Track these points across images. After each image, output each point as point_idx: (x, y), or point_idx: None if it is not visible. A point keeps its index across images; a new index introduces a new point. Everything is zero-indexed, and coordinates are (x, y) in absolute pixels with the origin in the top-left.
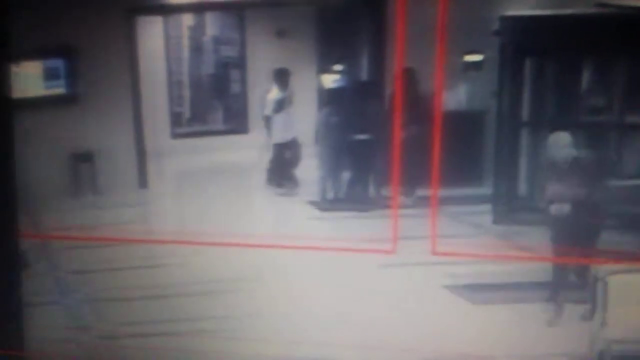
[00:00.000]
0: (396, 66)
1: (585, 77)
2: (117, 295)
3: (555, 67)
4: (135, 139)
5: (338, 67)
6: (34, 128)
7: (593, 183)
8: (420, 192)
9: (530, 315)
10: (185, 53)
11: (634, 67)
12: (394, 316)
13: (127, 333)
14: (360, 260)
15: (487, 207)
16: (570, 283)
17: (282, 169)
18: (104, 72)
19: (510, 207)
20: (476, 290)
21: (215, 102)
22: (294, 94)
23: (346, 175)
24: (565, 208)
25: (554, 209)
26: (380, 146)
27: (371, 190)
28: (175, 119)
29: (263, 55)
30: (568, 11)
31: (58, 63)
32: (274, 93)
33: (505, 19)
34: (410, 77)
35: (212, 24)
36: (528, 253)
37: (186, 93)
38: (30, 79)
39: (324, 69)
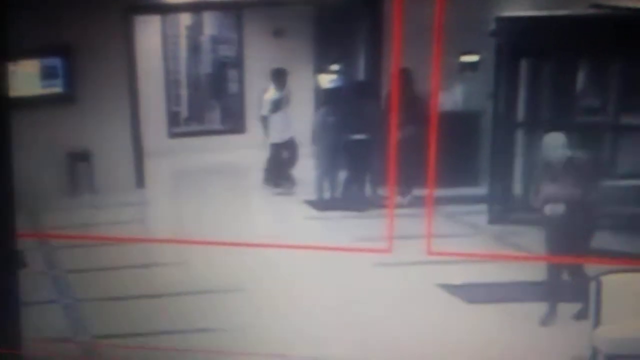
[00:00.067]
0: (393, 66)
1: (581, 78)
2: (114, 294)
3: (551, 68)
4: (133, 138)
5: (335, 67)
6: (30, 127)
7: (587, 183)
8: (416, 192)
9: (524, 315)
10: (183, 52)
11: (629, 68)
12: (389, 315)
13: (124, 332)
14: (356, 260)
15: (482, 207)
16: (564, 283)
17: (279, 168)
18: (102, 72)
19: (505, 207)
20: (471, 290)
21: (212, 102)
22: (291, 94)
23: (343, 174)
24: (560, 208)
25: (548, 209)
26: (377, 146)
27: (367, 190)
28: (173, 119)
29: (260, 55)
30: (564, 12)
31: (55, 62)
32: (271, 93)
33: (501, 20)
34: (406, 77)
35: (210, 24)
36: (523, 253)
37: (184, 92)
38: (27, 77)
39: (321, 69)
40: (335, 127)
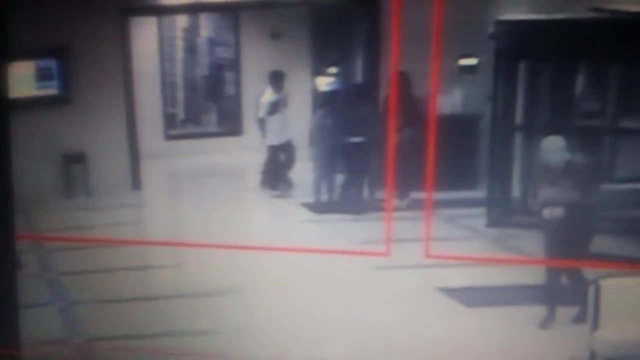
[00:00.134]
0: (391, 69)
1: (580, 82)
2: (109, 297)
3: (550, 72)
4: (129, 140)
5: (333, 69)
6: (26, 129)
7: (586, 187)
8: (414, 194)
9: (523, 318)
10: (179, 54)
11: (628, 71)
12: (387, 319)
13: (119, 335)
14: (354, 263)
15: (481, 210)
16: (563, 286)
17: (276, 171)
18: (97, 73)
19: (504, 211)
20: (470, 293)
21: (209, 104)
22: (289, 96)
23: (340, 177)
24: (558, 212)
25: (546, 212)
26: (375, 149)
27: (365, 193)
28: (169, 121)
29: (257, 57)
30: (563, 16)
31: (51, 63)
32: (269, 95)
33: (500, 23)
34: (404, 80)
35: (207, 26)
36: (521, 256)
37: (180, 94)
38: (22, 79)
39: (319, 71)
40: (333, 129)
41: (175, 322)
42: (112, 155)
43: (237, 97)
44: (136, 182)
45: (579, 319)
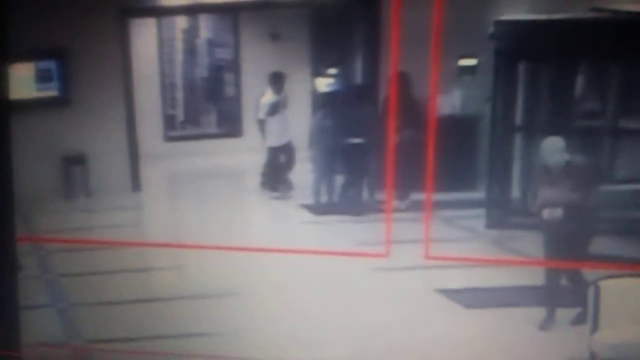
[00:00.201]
0: (390, 70)
1: (580, 82)
2: (109, 298)
3: (549, 72)
4: (128, 141)
5: (332, 70)
6: (26, 131)
7: (586, 188)
8: (414, 196)
9: (522, 319)
10: (179, 55)
11: (628, 72)
12: (387, 320)
13: (118, 337)
14: (353, 264)
15: (480, 212)
16: (562, 287)
17: (276, 172)
18: (97, 75)
19: (503, 212)
20: (469, 294)
21: (209, 105)
22: (289, 98)
23: (340, 178)
24: (558, 213)
25: (546, 213)
26: (374, 150)
27: (365, 194)
28: (169, 122)
29: (257, 58)
30: (563, 16)
31: (50, 65)
32: (268, 96)
33: (500, 23)
34: (404, 81)
35: (206, 27)
36: (521, 257)
37: (180, 96)
38: (22, 80)
39: (318, 72)
40: (333, 130)
41: (175, 324)
42: (111, 157)
43: (236, 99)
44: (136, 184)
45: (579, 320)
